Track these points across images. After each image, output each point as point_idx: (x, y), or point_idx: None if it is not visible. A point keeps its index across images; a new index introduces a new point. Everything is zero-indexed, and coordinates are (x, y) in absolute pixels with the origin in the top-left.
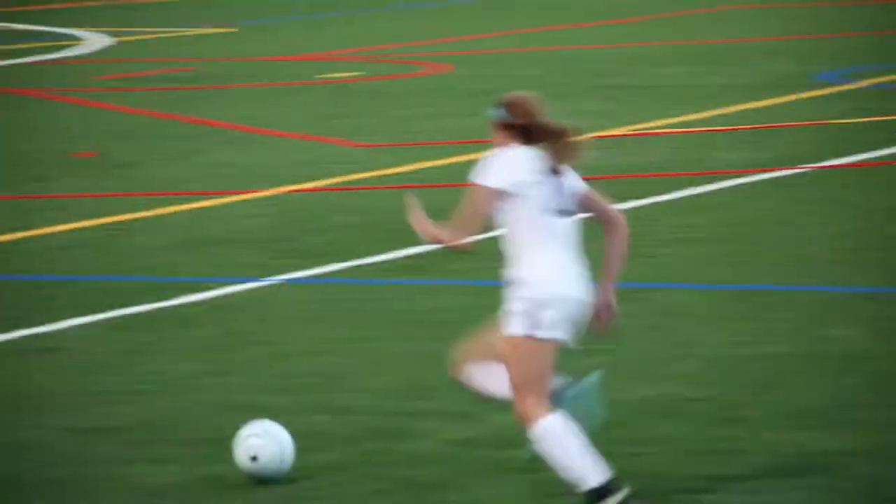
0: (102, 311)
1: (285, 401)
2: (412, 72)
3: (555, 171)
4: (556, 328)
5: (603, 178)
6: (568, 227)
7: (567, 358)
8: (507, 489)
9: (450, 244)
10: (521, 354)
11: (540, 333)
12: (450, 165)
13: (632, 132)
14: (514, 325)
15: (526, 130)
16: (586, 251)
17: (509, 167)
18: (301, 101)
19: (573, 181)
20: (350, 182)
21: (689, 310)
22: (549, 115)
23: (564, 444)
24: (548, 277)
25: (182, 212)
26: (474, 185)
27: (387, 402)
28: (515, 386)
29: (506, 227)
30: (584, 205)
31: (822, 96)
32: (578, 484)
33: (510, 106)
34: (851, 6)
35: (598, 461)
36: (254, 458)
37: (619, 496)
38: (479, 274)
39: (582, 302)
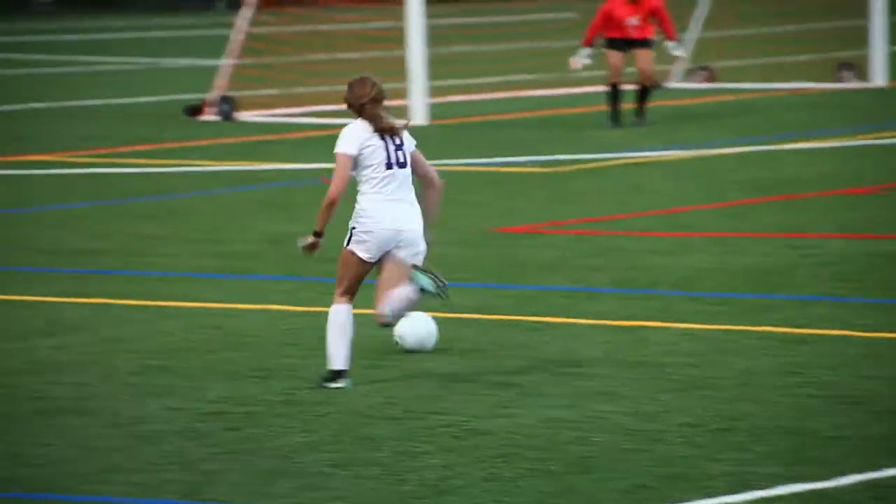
0: None
1: None
2: None
3: (382, 135)
4: (368, 251)
5: None
6: (398, 175)
7: None
8: None
9: (327, 202)
10: (343, 261)
11: (356, 250)
12: None
13: None
14: (346, 240)
15: (359, 108)
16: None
17: (351, 136)
18: None
19: (408, 143)
20: None
21: None
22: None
23: (336, 330)
24: (371, 213)
25: None
26: (336, 154)
27: None
28: (336, 280)
29: (357, 174)
30: (413, 163)
31: None
32: (329, 360)
33: (347, 89)
34: None
35: (348, 356)
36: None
37: (341, 383)
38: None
39: (395, 232)
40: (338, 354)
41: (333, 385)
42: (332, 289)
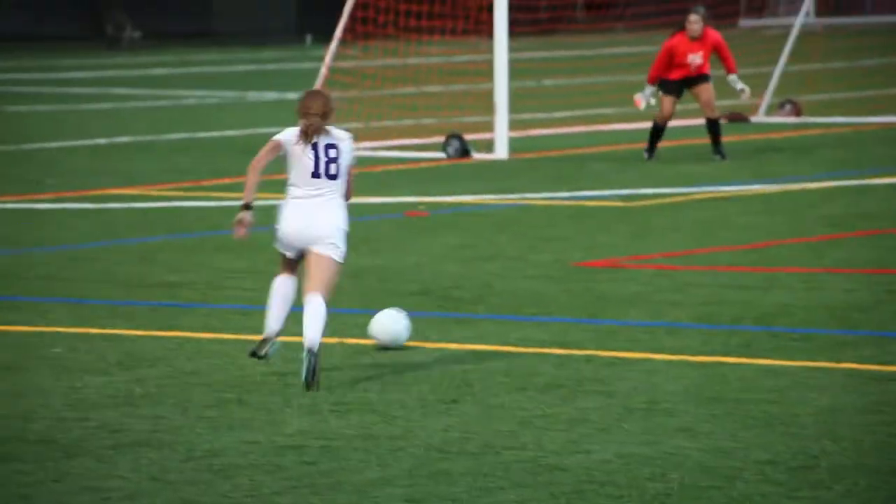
0: None
1: None
2: None
3: (314, 145)
4: (284, 248)
5: None
6: (323, 185)
7: None
8: None
9: (250, 168)
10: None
11: (277, 247)
12: None
13: None
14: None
15: (300, 117)
16: None
17: (287, 132)
18: None
19: (345, 157)
20: None
21: None
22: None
23: (271, 298)
24: (286, 215)
25: None
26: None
27: None
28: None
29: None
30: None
31: None
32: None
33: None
34: None
35: (278, 323)
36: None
37: (266, 347)
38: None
39: (303, 231)
40: (266, 320)
41: (258, 354)
42: (414, 322)
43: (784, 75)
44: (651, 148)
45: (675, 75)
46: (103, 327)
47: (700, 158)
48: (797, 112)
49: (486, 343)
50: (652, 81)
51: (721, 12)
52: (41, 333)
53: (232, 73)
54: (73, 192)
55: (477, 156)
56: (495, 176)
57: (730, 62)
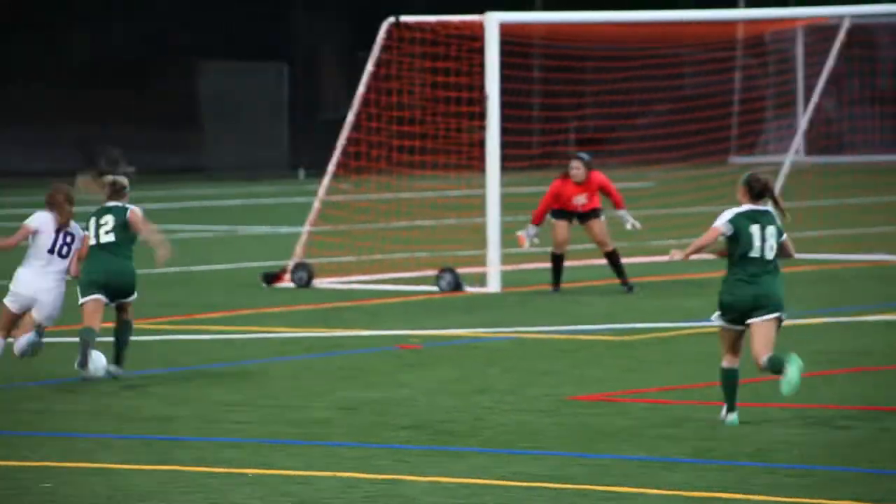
0: None
1: None
2: None
3: (60, 228)
4: (12, 306)
5: None
6: (54, 261)
7: None
8: None
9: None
10: None
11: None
12: None
13: None
14: None
15: (49, 204)
16: None
17: (37, 218)
18: None
19: (77, 237)
20: None
21: None
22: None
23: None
24: (20, 279)
25: None
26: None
27: None
28: None
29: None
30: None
31: None
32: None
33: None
34: None
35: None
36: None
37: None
38: None
39: (30, 298)
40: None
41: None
42: (407, 456)
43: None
44: (556, 281)
45: (564, 208)
46: (95, 461)
47: (691, 293)
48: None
49: (479, 477)
50: (536, 222)
51: (711, 149)
52: (32, 468)
53: (224, 208)
54: (66, 326)
55: (469, 289)
56: (488, 309)
57: (617, 198)
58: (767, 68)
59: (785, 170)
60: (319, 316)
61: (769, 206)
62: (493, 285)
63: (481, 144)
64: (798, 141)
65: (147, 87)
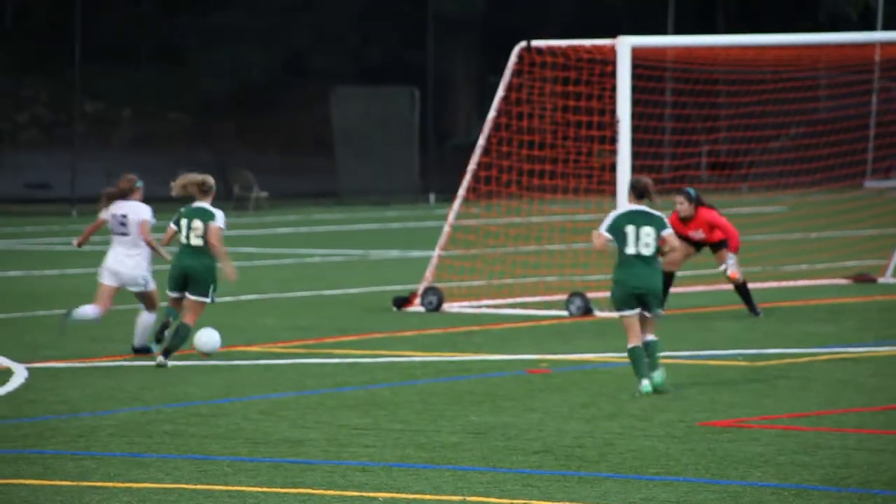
0: None
1: None
2: None
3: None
4: (103, 279)
5: None
6: (118, 239)
7: None
8: None
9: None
10: None
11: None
12: None
13: None
14: None
15: None
16: None
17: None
18: None
19: (132, 216)
20: None
21: None
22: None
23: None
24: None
25: None
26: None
27: None
28: None
29: None
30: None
31: None
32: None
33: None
34: None
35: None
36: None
37: None
38: None
39: (114, 272)
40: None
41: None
42: (536, 481)
43: None
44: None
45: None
46: (227, 484)
47: (822, 318)
48: None
49: (608, 502)
50: (734, 250)
51: (846, 173)
52: (166, 490)
53: (355, 232)
54: (191, 350)
55: (599, 314)
56: (618, 334)
57: (732, 238)
58: None
59: None
60: (449, 340)
61: (646, 206)
62: None
63: (612, 168)
64: None
65: (281, 112)
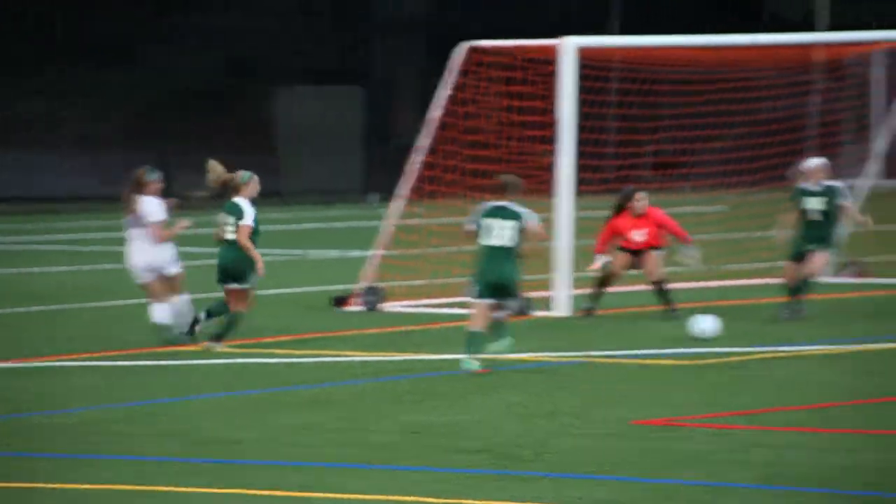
0: None
1: None
2: None
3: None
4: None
5: None
6: (134, 232)
7: None
8: None
9: None
10: None
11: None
12: None
13: None
14: None
15: None
16: None
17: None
18: None
19: (146, 218)
20: None
21: None
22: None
23: None
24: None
25: None
26: None
27: None
28: None
29: None
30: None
31: None
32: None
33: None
34: None
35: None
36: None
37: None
38: None
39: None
40: None
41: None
42: (474, 480)
43: (854, 235)
44: (593, 297)
45: (623, 245)
46: (167, 484)
47: (758, 318)
48: (863, 273)
49: (544, 501)
50: (599, 251)
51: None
52: (105, 491)
53: (298, 232)
54: (139, 350)
55: (537, 313)
56: (555, 333)
57: (682, 234)
58: (844, 92)
59: (864, 193)
60: (388, 339)
61: (509, 203)
62: (562, 309)
63: (552, 168)
64: (875, 164)
65: (224, 112)
